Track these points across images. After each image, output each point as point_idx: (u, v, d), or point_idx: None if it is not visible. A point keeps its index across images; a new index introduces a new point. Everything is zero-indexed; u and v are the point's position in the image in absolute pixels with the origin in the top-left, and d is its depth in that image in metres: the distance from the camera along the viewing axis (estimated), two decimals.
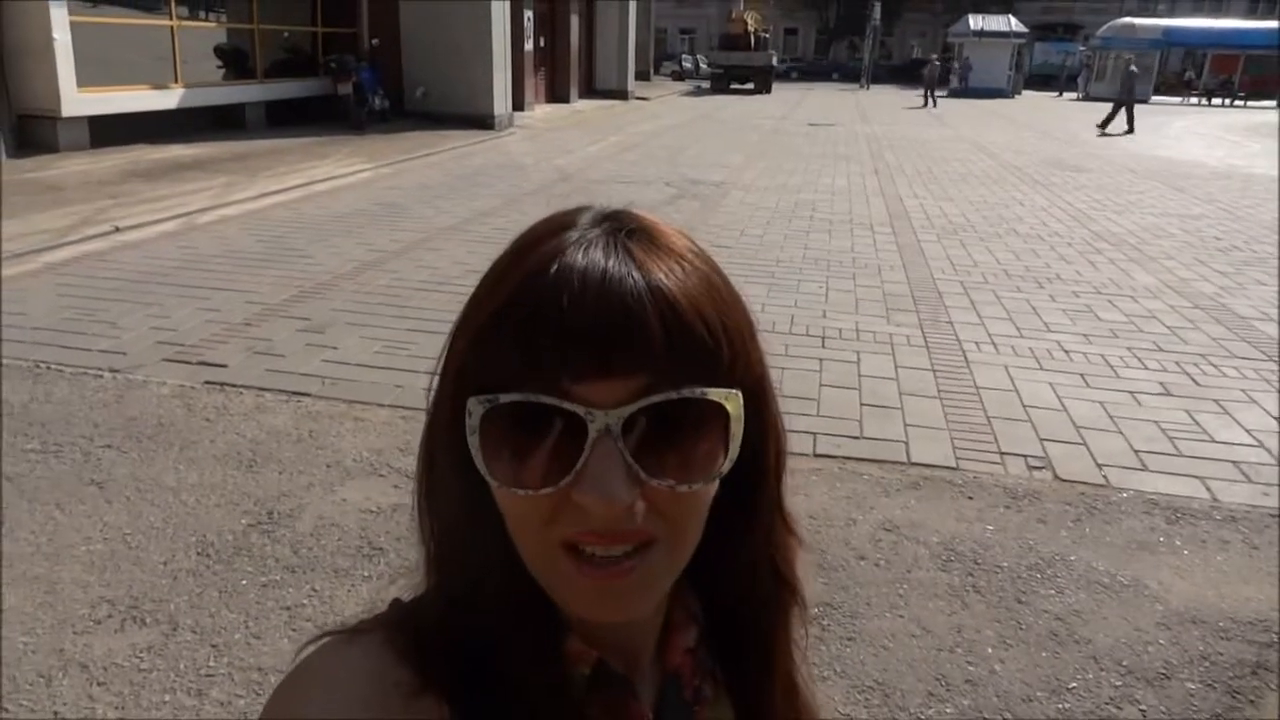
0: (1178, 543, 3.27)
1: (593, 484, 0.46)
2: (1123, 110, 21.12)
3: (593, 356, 0.46)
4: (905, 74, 30.94)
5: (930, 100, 29.48)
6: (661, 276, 0.47)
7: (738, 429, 0.49)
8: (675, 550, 0.50)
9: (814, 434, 4.04)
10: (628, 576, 0.48)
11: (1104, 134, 20.71)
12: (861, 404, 4.43)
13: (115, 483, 3.37)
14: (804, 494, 3.49)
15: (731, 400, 0.48)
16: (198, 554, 2.94)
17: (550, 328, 0.46)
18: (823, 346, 5.26)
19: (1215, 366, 5.12)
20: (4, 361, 4.48)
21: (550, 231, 0.50)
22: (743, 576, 0.59)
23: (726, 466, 0.49)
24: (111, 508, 3.20)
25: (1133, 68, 21.69)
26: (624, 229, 0.50)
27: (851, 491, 3.57)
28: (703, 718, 0.59)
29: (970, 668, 2.56)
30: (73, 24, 10.28)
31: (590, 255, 0.47)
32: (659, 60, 43.20)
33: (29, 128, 10.40)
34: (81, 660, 2.43)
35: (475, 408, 0.47)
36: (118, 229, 7.31)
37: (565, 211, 0.52)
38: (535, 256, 0.48)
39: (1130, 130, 20.80)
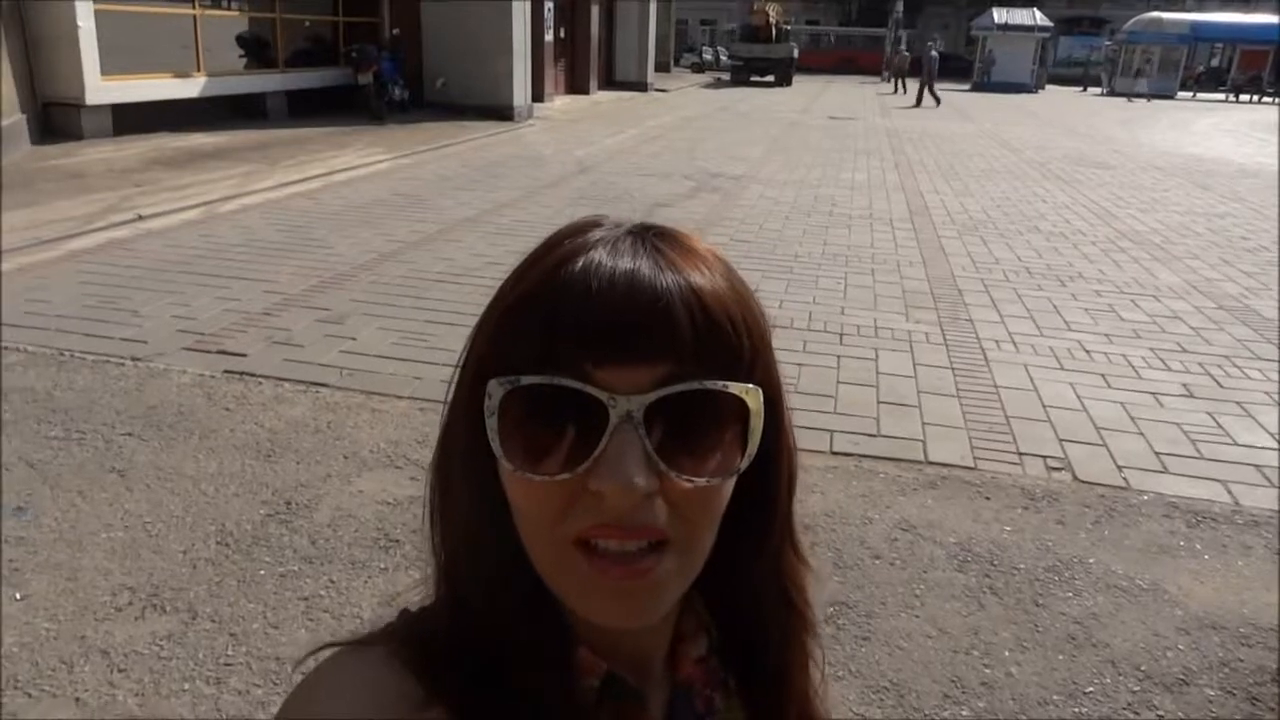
0: (1198, 547, 3.24)
1: (611, 470, 0.45)
2: (926, 89, 25.86)
3: (618, 340, 0.46)
4: (919, 65, 32.32)
5: (900, 88, 31.46)
6: (689, 271, 0.49)
7: (757, 425, 0.49)
8: (688, 553, 0.49)
9: (831, 431, 4.03)
10: (644, 577, 0.47)
11: (915, 107, 24.98)
12: (879, 401, 4.41)
13: (136, 470, 3.41)
14: (820, 492, 3.48)
15: (752, 395, 0.49)
16: (217, 543, 2.96)
17: (576, 312, 0.46)
18: (840, 343, 5.24)
19: (1239, 368, 5.06)
20: (29, 349, 4.53)
21: (578, 230, 0.51)
22: (751, 600, 0.58)
23: (744, 464, 0.49)
24: (132, 495, 3.23)
25: (934, 52, 26.60)
26: (650, 231, 0.51)
27: (868, 490, 3.55)
28: None
29: (986, 670, 2.55)
30: (97, 12, 10.36)
31: (619, 249, 0.49)
32: (679, 52, 42.98)
33: (54, 115, 10.50)
34: (102, 647, 2.46)
35: (496, 389, 0.47)
36: (140, 217, 7.37)
37: (590, 216, 0.53)
38: (564, 249, 0.49)
39: (918, 103, 25.42)
